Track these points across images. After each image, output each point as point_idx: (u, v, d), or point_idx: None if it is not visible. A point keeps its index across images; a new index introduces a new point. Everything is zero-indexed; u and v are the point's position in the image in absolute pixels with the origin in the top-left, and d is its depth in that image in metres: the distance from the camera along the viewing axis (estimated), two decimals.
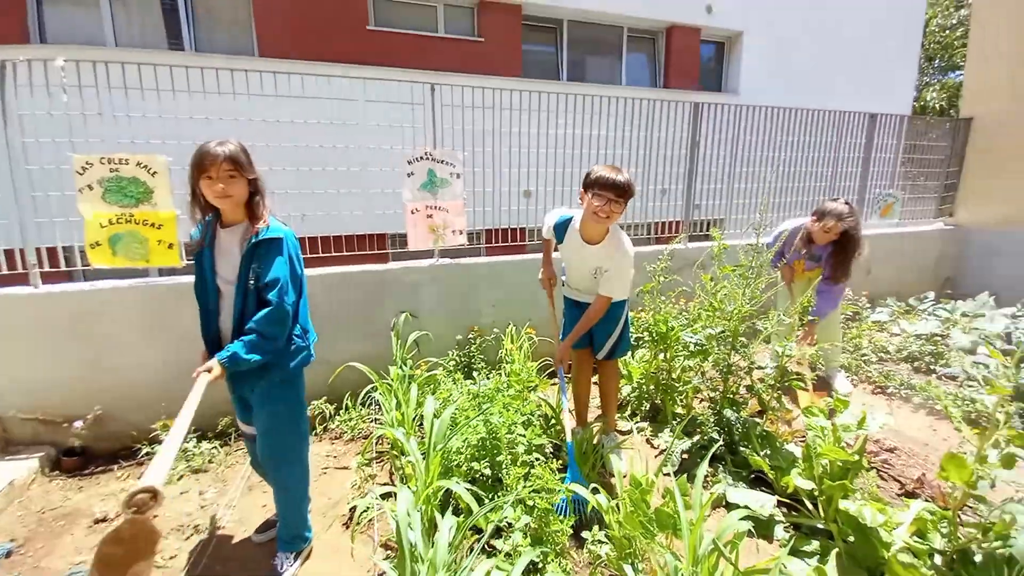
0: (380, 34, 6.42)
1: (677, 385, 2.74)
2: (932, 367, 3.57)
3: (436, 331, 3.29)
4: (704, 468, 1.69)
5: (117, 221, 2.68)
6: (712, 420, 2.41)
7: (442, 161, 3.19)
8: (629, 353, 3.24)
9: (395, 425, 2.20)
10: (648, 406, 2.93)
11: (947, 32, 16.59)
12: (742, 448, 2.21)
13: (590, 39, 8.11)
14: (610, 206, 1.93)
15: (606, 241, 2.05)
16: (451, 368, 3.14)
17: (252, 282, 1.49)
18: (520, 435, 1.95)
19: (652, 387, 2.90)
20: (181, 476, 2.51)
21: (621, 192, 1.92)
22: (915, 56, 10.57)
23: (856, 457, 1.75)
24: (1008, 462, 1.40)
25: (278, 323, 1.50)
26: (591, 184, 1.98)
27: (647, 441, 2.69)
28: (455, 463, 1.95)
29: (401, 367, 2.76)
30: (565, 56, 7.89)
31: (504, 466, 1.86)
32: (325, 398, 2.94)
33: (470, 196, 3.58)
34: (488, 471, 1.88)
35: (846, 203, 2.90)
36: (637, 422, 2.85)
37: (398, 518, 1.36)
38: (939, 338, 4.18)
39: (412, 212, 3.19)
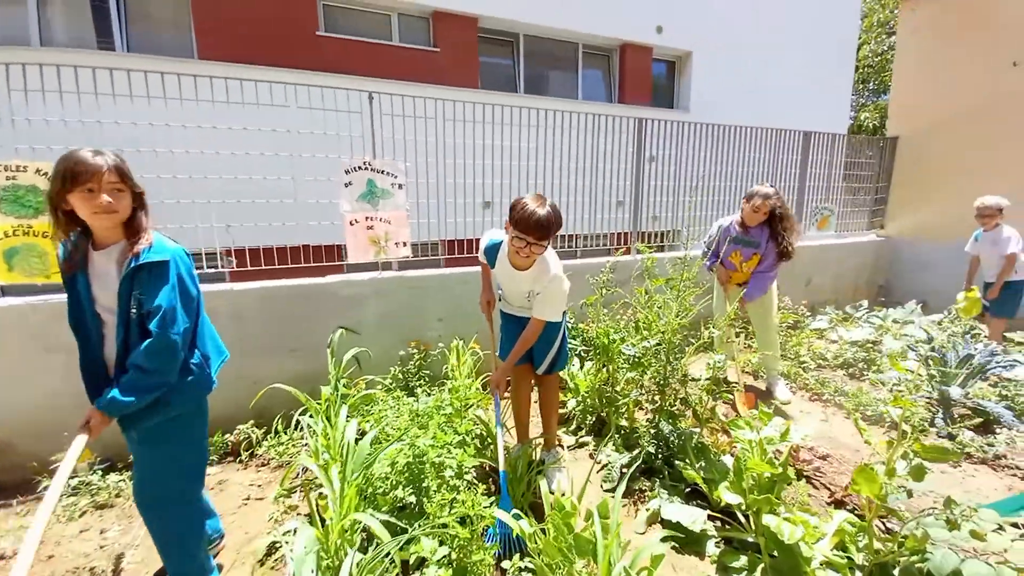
0: (330, 41, 6.28)
1: (620, 398, 2.73)
2: (864, 373, 3.73)
3: (379, 347, 3.16)
4: (621, 488, 1.67)
5: (13, 233, 2.45)
6: (651, 433, 2.39)
7: (382, 171, 3.10)
8: (577, 364, 3.24)
9: (320, 451, 2.06)
10: (594, 419, 2.91)
11: (879, 57, 17.93)
12: (677, 462, 2.20)
13: (547, 54, 8.24)
14: (530, 248, 1.86)
15: (535, 267, 2.00)
16: (390, 386, 3.01)
17: (134, 310, 1.34)
18: (449, 457, 1.86)
19: (596, 400, 2.88)
20: (83, 512, 2.28)
21: (543, 235, 1.83)
22: (849, 79, 11.33)
23: (780, 469, 1.77)
24: (918, 474, 1.44)
25: (161, 356, 1.35)
26: (513, 223, 1.88)
27: (591, 456, 2.66)
28: (381, 490, 1.84)
29: (336, 386, 2.62)
30: (522, 69, 7.97)
31: (430, 492, 1.76)
32: (252, 421, 2.75)
33: (429, 207, 3.52)
34: (414, 498, 1.78)
35: (771, 186, 3.13)
36: (582, 436, 2.81)
37: (295, 558, 1.24)
38: (872, 345, 4.40)
39: (351, 223, 3.07)
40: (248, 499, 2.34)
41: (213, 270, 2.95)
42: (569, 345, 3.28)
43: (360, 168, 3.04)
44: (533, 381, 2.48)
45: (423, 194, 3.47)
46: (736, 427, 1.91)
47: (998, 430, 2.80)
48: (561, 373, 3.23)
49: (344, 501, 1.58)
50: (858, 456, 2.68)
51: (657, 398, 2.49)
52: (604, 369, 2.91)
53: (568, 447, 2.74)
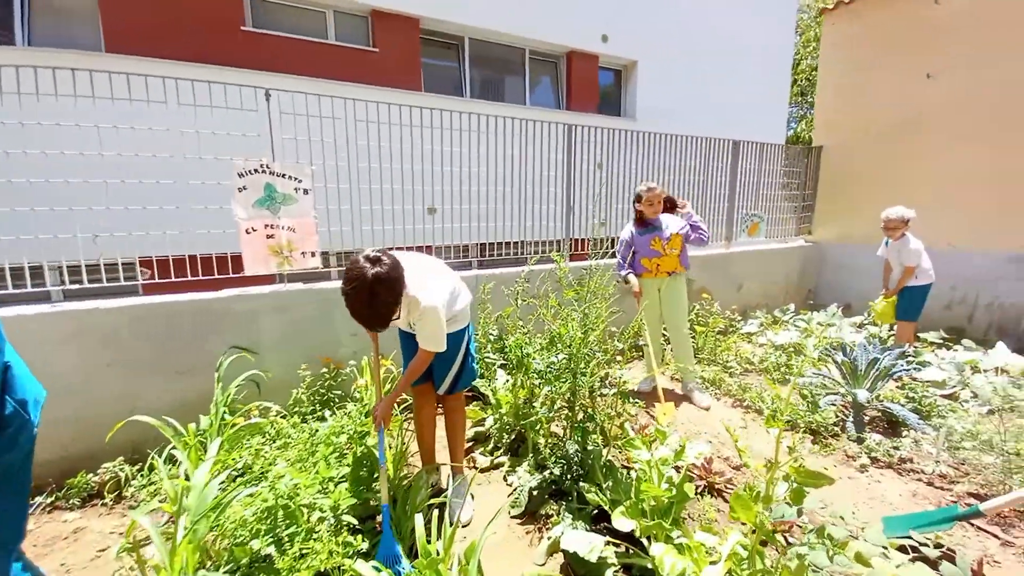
0: (258, 36, 5.91)
1: (534, 414, 2.60)
2: (787, 377, 3.80)
3: (282, 367, 2.91)
4: (488, 531, 1.52)
5: None
6: (560, 452, 2.28)
7: (283, 175, 2.86)
8: (501, 378, 3.09)
9: (180, 495, 1.80)
10: (512, 437, 2.77)
11: (814, 72, 19.07)
12: (583, 483, 2.09)
13: (494, 58, 8.14)
14: None
15: (403, 302, 1.80)
16: (292, 410, 2.77)
17: None
18: (322, 497, 1.66)
19: (514, 417, 2.74)
20: None
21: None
22: (786, 91, 11.91)
23: (674, 492, 1.68)
24: (796, 498, 1.37)
25: None
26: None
27: (505, 478, 2.51)
28: (239, 540, 1.61)
29: (218, 415, 2.35)
30: (468, 73, 7.84)
31: (294, 539, 1.56)
32: (123, 458, 2.43)
33: (366, 214, 3.32)
34: (273, 548, 1.56)
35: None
36: (498, 456, 2.67)
37: None
38: (795, 348, 4.51)
39: (247, 232, 2.81)
40: (104, 550, 2.04)
41: (78, 285, 2.61)
42: (490, 358, 3.15)
43: (256, 171, 2.79)
44: (438, 402, 2.32)
45: (345, 200, 3.26)
46: (632, 447, 1.81)
47: (905, 433, 2.88)
48: (482, 388, 3.09)
49: (175, 560, 1.35)
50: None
51: (568, 415, 2.38)
52: (522, 384, 2.78)
53: (481, 469, 2.58)
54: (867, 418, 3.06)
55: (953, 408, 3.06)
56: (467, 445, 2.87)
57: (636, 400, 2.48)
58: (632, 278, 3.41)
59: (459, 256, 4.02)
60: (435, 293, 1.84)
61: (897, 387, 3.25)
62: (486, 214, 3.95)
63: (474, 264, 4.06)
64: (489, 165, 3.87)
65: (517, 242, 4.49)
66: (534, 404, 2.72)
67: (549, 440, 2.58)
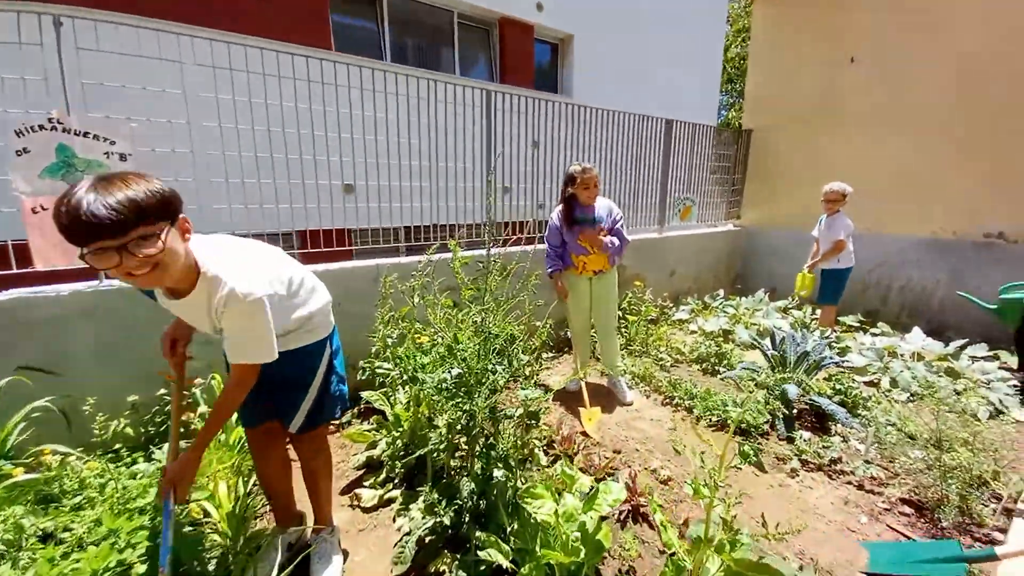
0: None
1: (435, 437, 2.14)
2: (716, 368, 3.62)
3: (104, 391, 2.21)
4: None
5: None
6: (457, 488, 1.84)
7: (86, 134, 2.12)
8: (401, 393, 2.59)
9: None
10: (411, 465, 2.29)
11: (744, 61, 19.79)
12: (479, 534, 1.67)
13: (418, 21, 7.36)
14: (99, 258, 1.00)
15: (199, 286, 1.21)
16: (113, 448, 2.11)
17: None
18: None
19: (411, 440, 2.26)
20: None
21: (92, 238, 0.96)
22: (718, 77, 12.08)
23: (583, 556, 1.29)
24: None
25: None
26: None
27: (394, 519, 2.04)
28: None
29: None
30: (387, 35, 7.01)
31: None
32: None
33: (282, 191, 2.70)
34: None
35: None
36: (389, 491, 2.18)
37: None
38: (724, 335, 4.39)
39: (33, 211, 2.06)
40: None
41: None
42: (383, 368, 2.63)
43: (43, 128, 2.03)
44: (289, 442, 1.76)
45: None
46: (532, 497, 1.41)
47: (834, 429, 2.75)
48: (377, 403, 2.58)
49: None
50: (703, 474, 2.41)
51: (467, 442, 1.94)
52: (419, 400, 2.31)
53: (366, 508, 2.09)
54: (796, 411, 2.91)
55: (877, 399, 2.98)
56: (357, 474, 2.37)
57: (565, 403, 2.08)
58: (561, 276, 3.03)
59: (387, 240, 3.40)
60: (256, 279, 1.25)
61: (824, 378, 3.14)
62: (409, 193, 3.39)
63: (402, 251, 3.49)
64: (407, 134, 3.29)
65: (451, 225, 3.98)
66: (436, 424, 2.26)
67: (451, 470, 2.14)
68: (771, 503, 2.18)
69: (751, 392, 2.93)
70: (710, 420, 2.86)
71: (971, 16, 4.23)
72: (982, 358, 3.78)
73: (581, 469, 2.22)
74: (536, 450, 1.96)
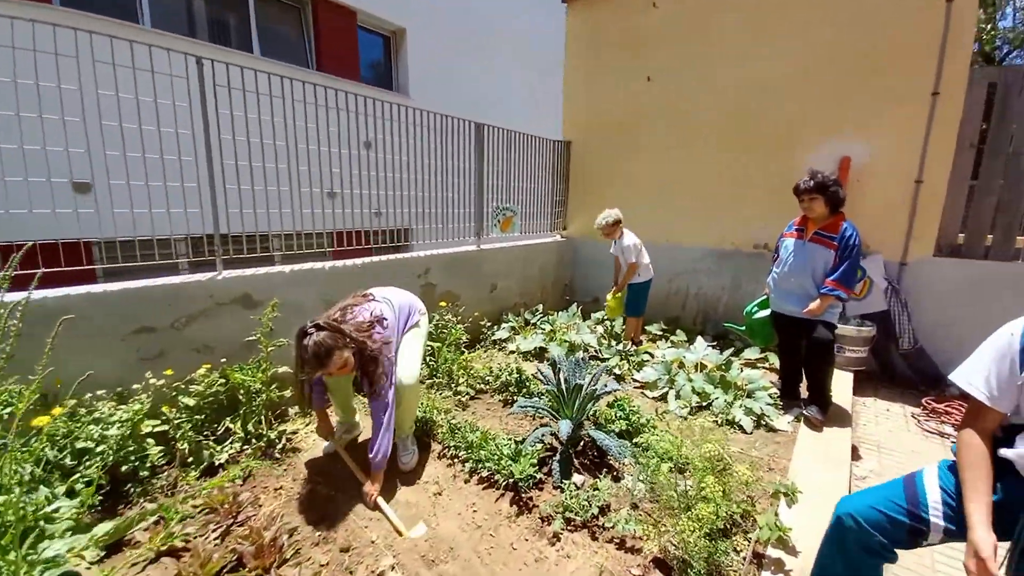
0: None
1: None
2: (514, 398, 3.28)
3: None
4: None
5: None
6: None
7: None
8: None
9: None
10: None
11: None
12: None
13: None
14: None
15: None
16: None
17: None
18: None
19: None
20: None
21: None
22: (558, 88, 12.53)
23: None
24: None
25: None
26: None
27: None
28: None
29: None
30: None
31: None
32: None
33: None
34: None
35: None
36: None
37: None
38: (538, 356, 4.15)
39: None
40: None
41: None
42: None
43: None
44: None
45: None
46: None
47: (615, 463, 2.53)
48: None
49: None
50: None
51: None
52: None
53: None
54: (578, 447, 2.65)
55: (654, 421, 2.88)
56: None
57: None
58: None
59: None
60: None
61: (608, 404, 2.95)
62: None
63: None
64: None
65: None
66: None
67: None
68: None
69: (532, 432, 2.59)
70: (481, 475, 2.43)
71: (732, 66, 4.64)
72: (756, 360, 4.12)
73: None
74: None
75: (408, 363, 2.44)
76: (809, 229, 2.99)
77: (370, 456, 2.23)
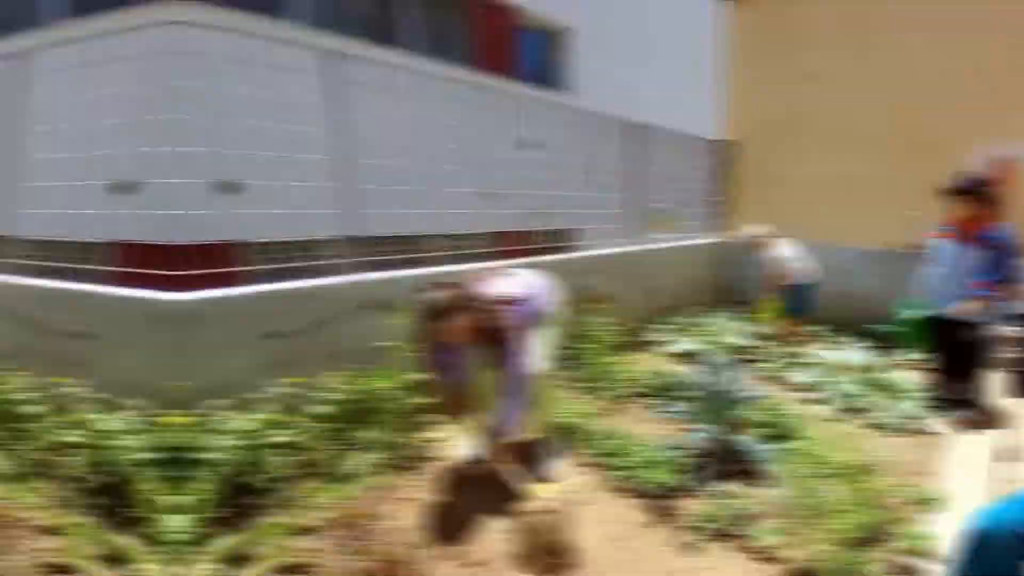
0: None
1: None
2: (662, 402, 3.31)
3: None
4: None
5: None
6: None
7: None
8: None
9: None
10: None
11: None
12: None
13: None
14: None
15: None
16: None
17: None
18: None
19: None
20: None
21: None
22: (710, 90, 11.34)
23: None
24: None
25: None
26: None
27: None
28: None
29: None
30: None
31: None
32: None
33: None
34: None
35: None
36: None
37: None
38: (689, 356, 4.29)
39: None
40: None
41: None
42: None
43: None
44: None
45: None
46: None
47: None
48: None
49: None
50: None
51: None
52: None
53: None
54: (724, 454, 2.55)
55: (805, 425, 2.81)
56: None
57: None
58: None
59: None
60: None
61: (757, 408, 2.86)
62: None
63: None
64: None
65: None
66: None
67: None
68: None
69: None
70: (621, 483, 2.43)
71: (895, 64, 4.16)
72: (910, 362, 3.79)
73: None
74: None
75: (538, 353, 2.28)
76: (965, 230, 2.92)
77: (499, 422, 2.19)
